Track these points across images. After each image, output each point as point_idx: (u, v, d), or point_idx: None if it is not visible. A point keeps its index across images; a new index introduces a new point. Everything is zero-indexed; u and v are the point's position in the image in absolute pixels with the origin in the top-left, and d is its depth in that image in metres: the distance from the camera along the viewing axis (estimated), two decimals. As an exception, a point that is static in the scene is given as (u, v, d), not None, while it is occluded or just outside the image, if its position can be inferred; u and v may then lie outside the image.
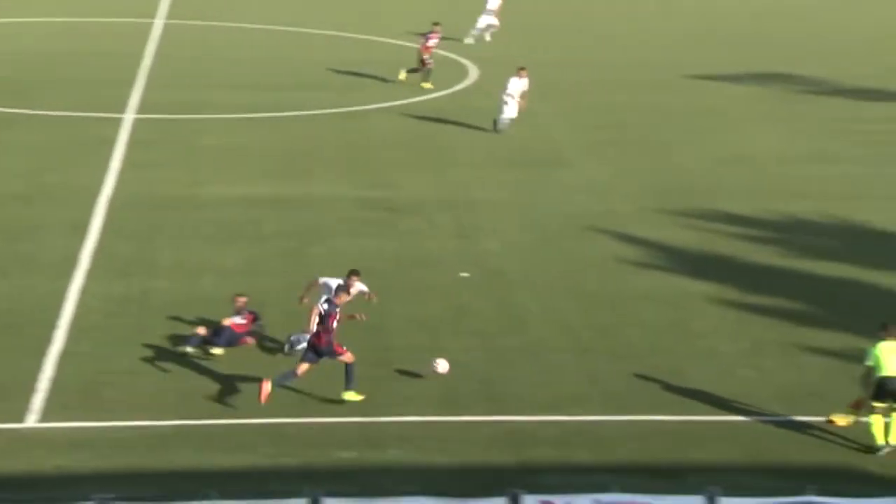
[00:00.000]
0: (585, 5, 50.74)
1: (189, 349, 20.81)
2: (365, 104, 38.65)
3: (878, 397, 18.26)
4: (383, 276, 24.41)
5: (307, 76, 42.72)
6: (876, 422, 18.34)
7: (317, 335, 19.28)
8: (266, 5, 54.26)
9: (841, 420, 18.86)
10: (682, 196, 30.27)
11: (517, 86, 35.30)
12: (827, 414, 19.09)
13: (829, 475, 17.35)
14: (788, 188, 31.13)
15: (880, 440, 18.31)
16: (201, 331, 21.04)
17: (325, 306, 19.45)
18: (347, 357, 19.37)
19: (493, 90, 37.30)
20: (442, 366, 20.40)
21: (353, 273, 21.03)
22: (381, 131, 36.07)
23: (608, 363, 21.16)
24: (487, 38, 48.56)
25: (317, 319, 19.36)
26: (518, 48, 45.06)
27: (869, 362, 18.41)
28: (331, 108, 38.12)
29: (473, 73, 43.41)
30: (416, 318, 22.90)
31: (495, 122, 35.32)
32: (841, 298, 24.21)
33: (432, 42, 40.71)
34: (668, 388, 20.26)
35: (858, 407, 18.64)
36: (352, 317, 19.92)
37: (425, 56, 40.40)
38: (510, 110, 35.22)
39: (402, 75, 40.51)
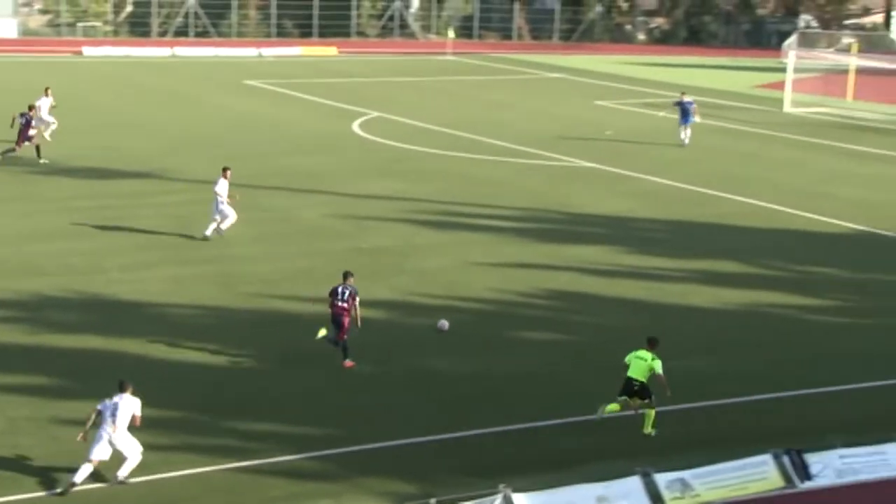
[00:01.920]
0: None
1: None
2: None
3: (622, 391, 20.88)
4: None
5: None
6: (612, 406, 20.94)
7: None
8: None
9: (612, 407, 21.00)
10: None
11: (224, 187, 31.77)
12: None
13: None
14: (31, 266, 30.12)
15: (600, 412, 20.95)
16: None
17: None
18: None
19: None
20: (443, 324, 24.21)
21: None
22: None
23: None
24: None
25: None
26: None
27: (627, 362, 21.01)
28: None
29: None
30: None
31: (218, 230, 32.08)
32: (89, 368, 23.42)
33: (34, 123, 41.71)
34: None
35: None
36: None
37: (31, 133, 41.26)
38: (227, 214, 31.87)
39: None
